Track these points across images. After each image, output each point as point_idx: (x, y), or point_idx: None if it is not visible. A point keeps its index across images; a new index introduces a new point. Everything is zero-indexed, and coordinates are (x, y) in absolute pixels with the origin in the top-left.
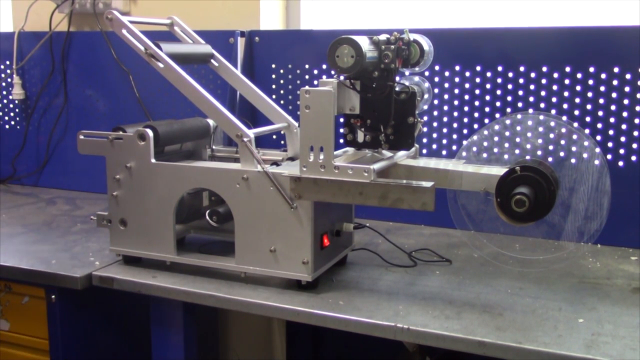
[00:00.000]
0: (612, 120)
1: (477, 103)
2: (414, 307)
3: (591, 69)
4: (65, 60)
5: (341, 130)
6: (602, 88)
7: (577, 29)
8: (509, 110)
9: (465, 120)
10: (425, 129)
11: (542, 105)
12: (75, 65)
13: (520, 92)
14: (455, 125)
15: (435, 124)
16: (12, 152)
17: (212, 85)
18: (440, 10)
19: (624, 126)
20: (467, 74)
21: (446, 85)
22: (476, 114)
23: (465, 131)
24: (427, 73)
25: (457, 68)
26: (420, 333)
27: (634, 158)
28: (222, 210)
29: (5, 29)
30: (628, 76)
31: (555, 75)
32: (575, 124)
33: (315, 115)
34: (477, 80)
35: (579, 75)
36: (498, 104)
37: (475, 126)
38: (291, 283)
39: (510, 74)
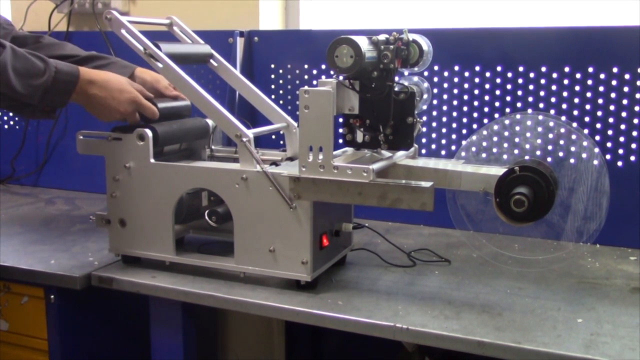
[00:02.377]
0: (611, 120)
1: (476, 103)
2: (413, 307)
3: (590, 69)
4: None
5: (340, 131)
6: (601, 88)
7: (576, 29)
8: (508, 110)
9: (465, 120)
10: (424, 129)
11: (541, 105)
12: None
13: (519, 92)
14: (454, 125)
15: (434, 124)
16: (11, 152)
17: (211, 85)
18: (440, 10)
19: (623, 126)
20: (466, 74)
21: (445, 85)
22: (475, 114)
23: (464, 131)
24: (426, 73)
25: (456, 68)
26: (419, 333)
27: (633, 158)
28: (221, 210)
29: None
30: (627, 76)
31: (555, 75)
32: (574, 124)
33: (315, 115)
34: (476, 80)
35: (578, 76)
36: (497, 104)
37: (475, 126)
38: (290, 283)
39: (510, 74)
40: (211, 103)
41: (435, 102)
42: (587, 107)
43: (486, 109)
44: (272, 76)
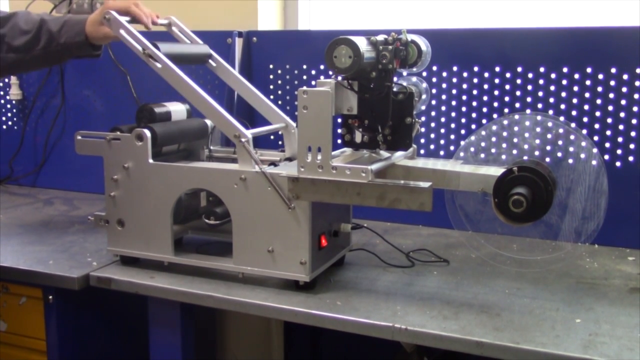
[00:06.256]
0: (609, 120)
1: (474, 103)
2: (411, 307)
3: (588, 70)
4: None
5: (339, 131)
6: (600, 89)
7: (574, 29)
8: (506, 110)
9: (463, 120)
10: (422, 130)
11: (539, 105)
12: (73, 65)
13: (518, 93)
14: (452, 125)
15: (432, 125)
16: (10, 152)
17: (210, 85)
18: (438, 10)
19: (621, 127)
20: (465, 74)
21: (444, 85)
22: (474, 115)
23: (462, 131)
24: (424, 73)
25: (455, 68)
26: (418, 333)
27: (631, 158)
28: (219, 211)
29: None
30: (625, 77)
31: (553, 75)
32: (573, 125)
33: (313, 115)
34: (475, 80)
35: (576, 76)
36: (495, 104)
37: (473, 127)
38: (289, 283)
39: (508, 75)
40: (210, 103)
41: (433, 102)
42: (586, 107)
43: (485, 110)
44: (271, 76)
